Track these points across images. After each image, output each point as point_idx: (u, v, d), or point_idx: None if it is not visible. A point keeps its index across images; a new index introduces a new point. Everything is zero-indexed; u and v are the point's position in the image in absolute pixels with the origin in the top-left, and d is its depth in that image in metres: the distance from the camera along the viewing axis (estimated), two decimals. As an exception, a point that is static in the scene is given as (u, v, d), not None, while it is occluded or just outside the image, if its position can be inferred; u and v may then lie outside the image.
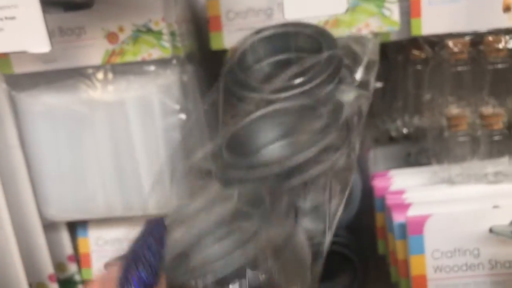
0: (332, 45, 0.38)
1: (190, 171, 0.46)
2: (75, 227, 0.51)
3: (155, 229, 0.23)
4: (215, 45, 0.44)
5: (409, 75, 0.48)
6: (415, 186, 0.47)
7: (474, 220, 0.41)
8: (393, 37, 0.47)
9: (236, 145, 0.34)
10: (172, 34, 0.40)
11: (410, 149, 0.56)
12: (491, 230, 0.40)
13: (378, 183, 0.49)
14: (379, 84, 0.52)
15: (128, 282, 0.20)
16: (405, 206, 0.43)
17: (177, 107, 0.40)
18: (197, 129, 0.47)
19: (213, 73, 0.51)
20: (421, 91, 0.47)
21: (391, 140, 0.62)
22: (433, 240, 0.41)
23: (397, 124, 0.50)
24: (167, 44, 0.39)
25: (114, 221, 0.48)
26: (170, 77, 0.41)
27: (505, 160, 0.46)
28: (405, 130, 0.50)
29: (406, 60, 0.48)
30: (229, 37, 0.44)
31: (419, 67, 0.47)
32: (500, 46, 0.42)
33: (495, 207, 0.41)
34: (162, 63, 0.41)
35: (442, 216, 0.41)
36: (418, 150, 0.55)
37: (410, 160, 0.56)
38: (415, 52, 0.47)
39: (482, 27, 0.42)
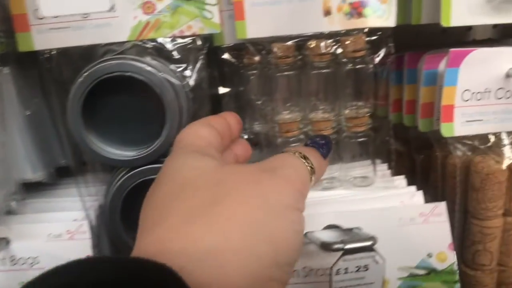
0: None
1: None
2: None
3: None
4: (22, 46, 0.40)
5: (245, 81, 0.47)
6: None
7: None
8: (228, 41, 0.46)
9: None
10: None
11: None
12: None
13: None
14: (223, 90, 0.51)
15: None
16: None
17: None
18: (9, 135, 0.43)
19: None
20: (256, 97, 0.46)
21: (255, 145, 0.61)
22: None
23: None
24: None
25: None
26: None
27: (337, 166, 0.45)
28: (245, 136, 0.49)
29: (242, 65, 0.47)
30: (40, 38, 0.40)
31: (252, 72, 0.45)
32: (323, 50, 0.41)
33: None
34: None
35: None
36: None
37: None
38: (248, 57, 0.45)
39: (305, 31, 0.41)
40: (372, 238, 0.36)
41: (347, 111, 0.43)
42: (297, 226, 0.26)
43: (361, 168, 0.45)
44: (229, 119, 0.33)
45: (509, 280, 0.47)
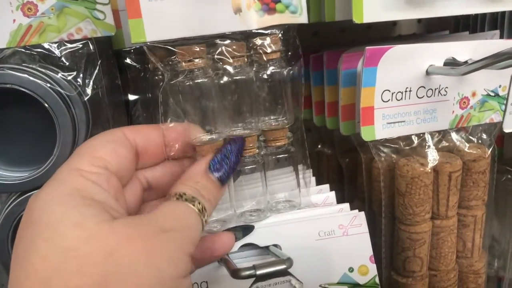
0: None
1: None
2: None
3: (238, 142, 0.33)
4: None
5: (153, 87, 0.42)
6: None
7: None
8: (129, 44, 0.41)
9: None
10: None
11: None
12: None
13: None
14: (132, 97, 0.46)
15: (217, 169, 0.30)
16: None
17: None
18: None
19: None
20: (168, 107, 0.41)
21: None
22: None
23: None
24: None
25: None
26: None
27: (260, 191, 0.41)
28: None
29: (148, 70, 0.42)
30: None
31: (160, 77, 0.41)
32: (237, 53, 0.37)
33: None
34: None
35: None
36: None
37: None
38: (153, 61, 0.40)
39: (214, 31, 0.36)
40: (287, 260, 0.32)
41: (264, 124, 0.38)
42: None
43: (286, 190, 0.40)
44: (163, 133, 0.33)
45: (440, 284, 0.45)
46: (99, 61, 0.39)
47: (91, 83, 0.40)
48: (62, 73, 0.38)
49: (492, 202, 0.47)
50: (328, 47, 0.55)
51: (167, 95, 0.38)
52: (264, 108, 0.38)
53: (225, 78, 0.37)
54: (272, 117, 0.39)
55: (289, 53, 0.37)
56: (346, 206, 0.39)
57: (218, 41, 0.37)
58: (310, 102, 0.49)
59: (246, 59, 0.37)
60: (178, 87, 0.37)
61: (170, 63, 0.37)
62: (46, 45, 0.37)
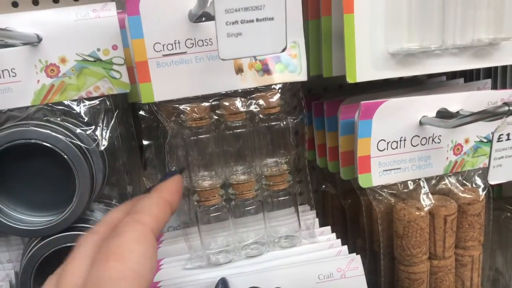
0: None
1: None
2: None
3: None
4: None
5: (164, 134, 0.45)
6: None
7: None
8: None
9: None
10: None
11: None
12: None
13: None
14: (146, 142, 0.49)
15: None
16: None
17: None
18: None
19: None
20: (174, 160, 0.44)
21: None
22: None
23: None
24: None
25: None
26: None
27: (261, 226, 0.44)
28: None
29: (160, 119, 0.45)
30: None
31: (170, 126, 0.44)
32: (237, 109, 0.40)
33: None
34: None
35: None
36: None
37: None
38: (161, 117, 0.44)
39: (217, 90, 0.39)
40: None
41: (266, 170, 0.42)
42: None
43: (286, 226, 0.43)
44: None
45: (440, 322, 0.47)
46: (115, 113, 0.43)
47: (108, 133, 0.43)
48: (82, 128, 0.41)
49: (489, 242, 0.49)
50: (331, 89, 0.58)
51: (172, 146, 0.42)
52: (265, 155, 0.42)
53: (227, 132, 0.41)
54: (273, 162, 0.42)
55: (293, 104, 0.40)
56: (344, 248, 0.41)
57: (220, 98, 0.40)
58: (314, 144, 0.52)
59: (245, 115, 0.40)
60: (183, 141, 0.41)
61: (176, 117, 0.41)
62: (66, 102, 0.41)
